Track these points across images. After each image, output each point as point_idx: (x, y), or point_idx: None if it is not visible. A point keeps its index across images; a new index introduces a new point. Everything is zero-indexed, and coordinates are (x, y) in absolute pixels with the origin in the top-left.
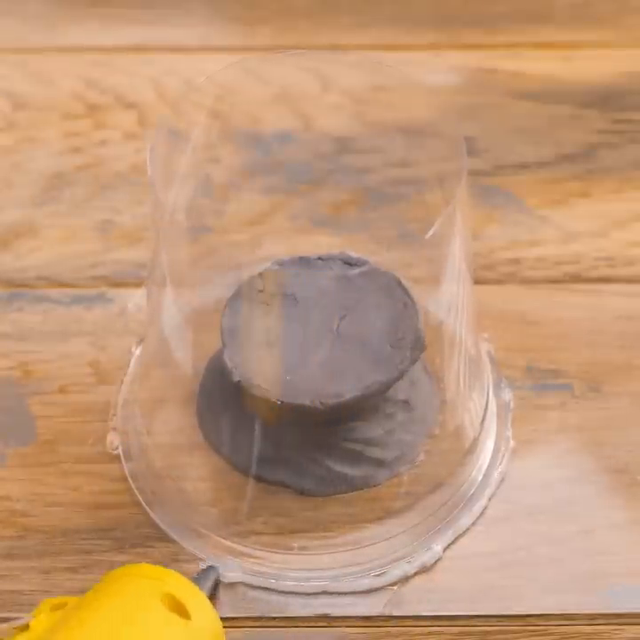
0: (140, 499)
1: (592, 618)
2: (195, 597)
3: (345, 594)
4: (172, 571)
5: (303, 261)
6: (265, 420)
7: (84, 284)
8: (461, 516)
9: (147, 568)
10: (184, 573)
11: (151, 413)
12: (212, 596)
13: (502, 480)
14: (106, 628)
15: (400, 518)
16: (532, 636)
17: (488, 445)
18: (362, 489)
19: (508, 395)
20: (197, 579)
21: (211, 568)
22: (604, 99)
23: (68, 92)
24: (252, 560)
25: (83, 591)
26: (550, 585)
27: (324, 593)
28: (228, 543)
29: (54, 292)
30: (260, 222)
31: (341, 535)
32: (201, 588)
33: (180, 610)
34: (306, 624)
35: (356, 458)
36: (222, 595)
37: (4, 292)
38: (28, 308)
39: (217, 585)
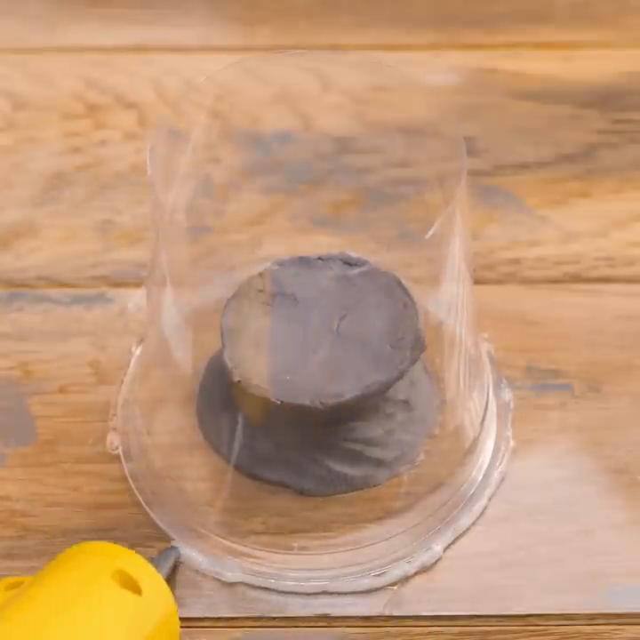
0: (140, 499)
1: (592, 618)
2: (147, 574)
3: (345, 594)
4: (125, 548)
5: (303, 261)
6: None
7: (84, 283)
8: (461, 515)
9: (100, 545)
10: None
11: (151, 413)
12: (171, 577)
13: (502, 480)
14: (55, 604)
15: (400, 518)
16: (531, 635)
17: (488, 445)
18: (362, 489)
19: (508, 395)
20: (156, 558)
21: (171, 549)
22: (604, 99)
23: (68, 92)
24: (251, 560)
25: None
26: (550, 585)
27: (324, 593)
28: (227, 543)
29: (54, 292)
30: (260, 222)
31: (341, 535)
32: (159, 568)
33: (132, 586)
34: (306, 624)
35: (356, 458)
36: (222, 594)
37: (3, 292)
38: (28, 308)
39: (176, 566)
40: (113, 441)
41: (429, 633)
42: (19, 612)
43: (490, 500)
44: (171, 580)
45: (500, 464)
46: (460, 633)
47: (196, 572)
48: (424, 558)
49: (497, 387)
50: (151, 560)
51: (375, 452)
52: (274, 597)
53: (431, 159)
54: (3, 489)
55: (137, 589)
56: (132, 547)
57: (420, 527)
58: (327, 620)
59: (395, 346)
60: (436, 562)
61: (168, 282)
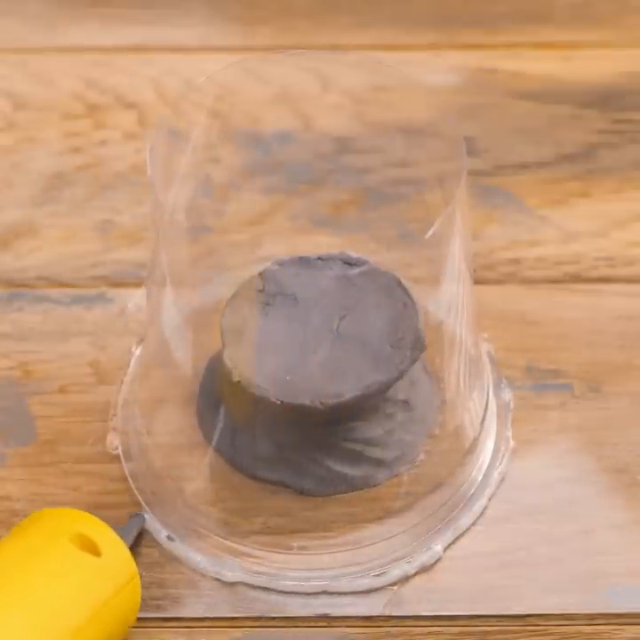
0: (140, 499)
1: (592, 618)
2: (106, 537)
3: (345, 594)
4: (85, 512)
5: (303, 261)
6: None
7: (84, 283)
8: (461, 515)
9: (59, 511)
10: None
11: (151, 413)
12: (135, 545)
13: (502, 480)
14: (12, 567)
15: (400, 518)
16: (531, 635)
17: (488, 445)
18: (362, 489)
19: (508, 395)
20: (120, 526)
21: (136, 516)
22: (604, 99)
23: (68, 92)
24: (251, 560)
25: None
26: (550, 585)
27: (324, 593)
28: (227, 543)
29: (54, 292)
30: (260, 222)
31: (341, 535)
32: (123, 536)
33: (91, 548)
34: (306, 624)
35: (356, 458)
36: (222, 594)
37: (3, 292)
38: (28, 308)
39: (141, 534)
40: (113, 441)
41: (429, 633)
42: None
43: (490, 499)
44: (135, 547)
45: (499, 464)
46: (460, 633)
47: (196, 571)
48: (424, 558)
49: (497, 387)
50: (116, 528)
51: (375, 452)
52: (274, 597)
53: (431, 159)
54: (3, 489)
55: (96, 552)
56: (131, 547)
57: (419, 527)
58: (327, 620)
59: (395, 346)
60: (436, 562)
61: (168, 282)
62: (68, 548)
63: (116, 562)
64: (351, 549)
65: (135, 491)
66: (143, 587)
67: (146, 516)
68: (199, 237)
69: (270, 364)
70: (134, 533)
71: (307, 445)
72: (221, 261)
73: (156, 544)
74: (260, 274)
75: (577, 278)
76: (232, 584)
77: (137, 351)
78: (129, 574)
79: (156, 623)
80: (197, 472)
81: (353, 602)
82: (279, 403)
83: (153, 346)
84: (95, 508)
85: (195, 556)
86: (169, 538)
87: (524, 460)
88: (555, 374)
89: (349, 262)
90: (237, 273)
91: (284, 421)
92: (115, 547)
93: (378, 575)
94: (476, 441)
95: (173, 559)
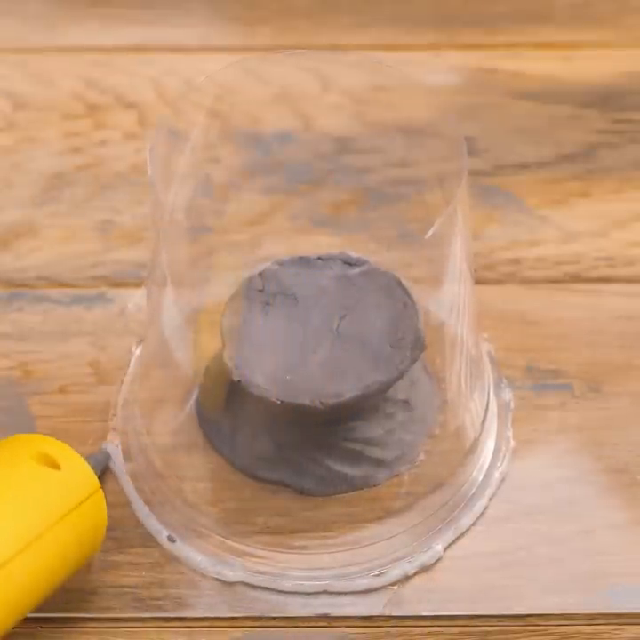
0: (140, 499)
1: (592, 618)
2: (64, 452)
3: (345, 594)
4: (50, 437)
5: (303, 261)
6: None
7: (84, 283)
8: (462, 515)
9: (25, 435)
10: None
11: (151, 413)
12: (102, 479)
13: (503, 480)
14: None
15: (400, 518)
16: (531, 635)
17: (489, 445)
18: (362, 489)
19: (508, 395)
20: (89, 456)
21: (101, 452)
22: (604, 99)
23: (68, 92)
24: (252, 560)
25: (84, 590)
26: (550, 585)
27: (324, 593)
28: (228, 543)
29: (54, 292)
30: (260, 222)
31: (341, 535)
32: (91, 463)
33: (52, 464)
34: (306, 624)
35: (356, 458)
36: (222, 594)
37: (3, 292)
38: (28, 308)
39: (105, 469)
40: (113, 441)
41: (429, 633)
42: None
43: (490, 499)
44: (102, 482)
45: (500, 464)
46: (460, 633)
47: (196, 571)
48: (424, 558)
49: (497, 387)
50: (86, 458)
51: (375, 452)
52: (274, 597)
53: (431, 159)
54: None
55: (56, 466)
56: (131, 547)
57: (420, 527)
58: (327, 620)
59: (395, 346)
60: (436, 562)
61: (168, 282)
62: (28, 463)
63: (75, 475)
64: (351, 549)
65: (135, 491)
66: (144, 587)
67: (110, 451)
68: (199, 237)
69: (270, 364)
70: (100, 465)
71: (307, 445)
72: (221, 261)
73: (156, 544)
74: (260, 274)
75: (577, 278)
76: (232, 584)
77: (137, 351)
78: (90, 488)
79: (156, 623)
80: (197, 472)
81: (353, 602)
82: (279, 402)
83: (153, 346)
84: None
85: (195, 556)
86: (170, 538)
87: (525, 460)
88: (555, 374)
89: (349, 262)
90: (237, 273)
91: (283, 421)
92: (74, 462)
93: (378, 575)
94: (476, 441)
95: (174, 559)
